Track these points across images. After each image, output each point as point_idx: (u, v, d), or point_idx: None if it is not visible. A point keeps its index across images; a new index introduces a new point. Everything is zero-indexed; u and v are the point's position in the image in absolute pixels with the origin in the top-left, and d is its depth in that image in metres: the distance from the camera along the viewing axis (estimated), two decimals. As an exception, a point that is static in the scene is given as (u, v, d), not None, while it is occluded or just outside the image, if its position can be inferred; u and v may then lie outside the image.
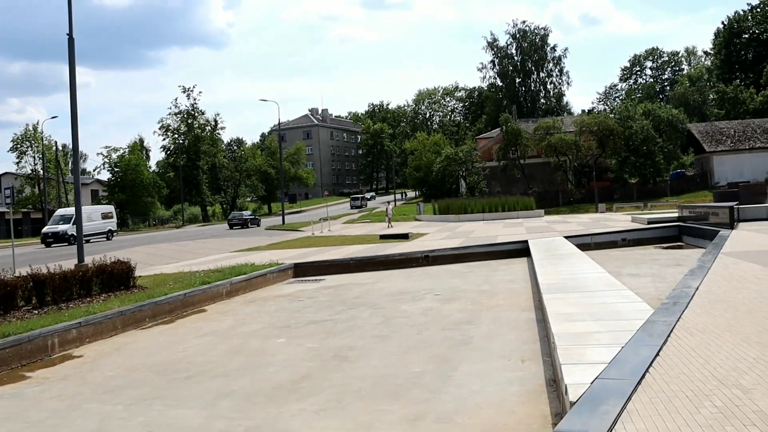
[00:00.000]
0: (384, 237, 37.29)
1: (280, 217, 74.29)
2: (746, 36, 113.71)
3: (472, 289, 18.12)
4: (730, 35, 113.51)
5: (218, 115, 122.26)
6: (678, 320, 8.68)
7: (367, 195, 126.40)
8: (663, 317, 8.90)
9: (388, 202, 64.64)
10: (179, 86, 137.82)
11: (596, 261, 22.92)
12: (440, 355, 10.51)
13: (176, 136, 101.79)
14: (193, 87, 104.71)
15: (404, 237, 36.68)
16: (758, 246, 18.54)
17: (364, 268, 25.29)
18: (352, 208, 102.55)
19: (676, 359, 6.86)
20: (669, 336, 7.80)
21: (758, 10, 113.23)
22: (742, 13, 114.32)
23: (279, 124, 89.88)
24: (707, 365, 6.58)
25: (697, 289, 11.20)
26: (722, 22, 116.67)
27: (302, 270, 24.73)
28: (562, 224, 40.55)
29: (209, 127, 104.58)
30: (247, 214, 79.24)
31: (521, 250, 25.83)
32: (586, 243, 29.01)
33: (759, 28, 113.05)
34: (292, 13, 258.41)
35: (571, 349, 7.46)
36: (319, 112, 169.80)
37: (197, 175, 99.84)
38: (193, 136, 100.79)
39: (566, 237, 28.90)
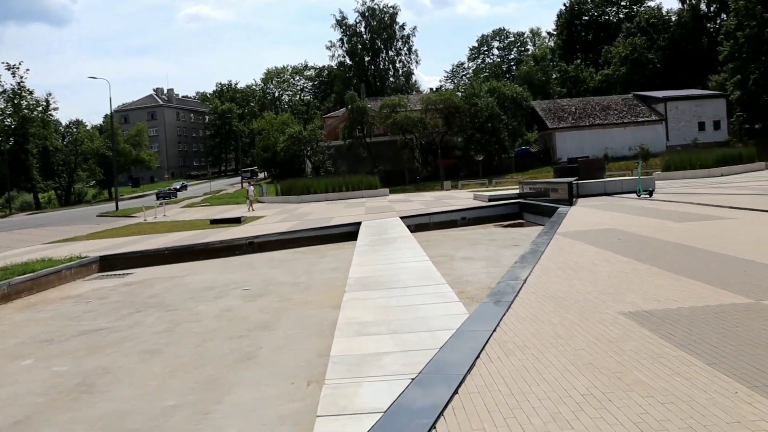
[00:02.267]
0: (215, 222, 34.55)
1: (120, 202, 69.38)
2: (586, 18, 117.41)
3: (288, 281, 15.94)
4: (571, 17, 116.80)
5: (50, 95, 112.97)
6: (495, 329, 6.74)
7: (177, 185, 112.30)
8: (477, 325, 6.96)
9: (249, 183, 60.11)
10: (2, 63, 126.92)
11: (432, 243, 21.47)
12: (212, 378, 8.24)
13: (1, 117, 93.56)
14: (19, 64, 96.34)
15: (236, 221, 34.07)
16: (594, 224, 17.26)
17: (181, 259, 22.72)
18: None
19: (479, 401, 4.85)
20: (478, 358, 5.81)
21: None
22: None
23: (110, 102, 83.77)
24: (518, 410, 4.59)
25: (525, 281, 9.41)
26: (564, 4, 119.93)
27: (110, 263, 21.76)
28: (404, 203, 39.08)
29: (40, 108, 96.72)
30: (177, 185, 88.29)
31: (354, 233, 23.77)
32: (425, 223, 27.51)
33: (597, 10, 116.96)
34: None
35: (342, 388, 5.33)
36: (165, 92, 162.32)
37: (26, 159, 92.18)
38: (20, 118, 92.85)
39: (403, 217, 27.23)
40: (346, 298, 9.36)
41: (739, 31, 75.65)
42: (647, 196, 26.46)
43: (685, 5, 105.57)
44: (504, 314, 7.32)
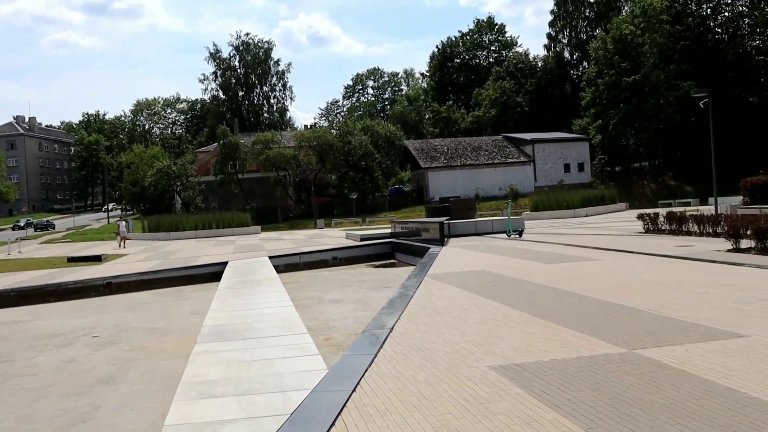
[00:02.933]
0: (72, 260, 32.39)
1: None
2: (458, 60, 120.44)
3: (144, 326, 14.78)
4: (443, 59, 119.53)
5: None
6: (355, 389, 6.06)
7: (22, 221, 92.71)
8: (336, 384, 6.26)
9: (121, 218, 54.81)
10: None
11: (301, 284, 20.73)
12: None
13: None
14: None
15: (96, 259, 32.09)
16: (465, 265, 17.00)
17: (29, 301, 21.03)
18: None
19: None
20: (332, 426, 5.10)
21: (467, 37, 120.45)
22: (453, 39, 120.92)
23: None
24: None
25: (392, 329, 8.81)
26: (436, 46, 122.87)
27: (-57, 306, 19.83)
28: (275, 242, 38.09)
29: None
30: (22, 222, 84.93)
31: (219, 274, 22.67)
32: (295, 263, 26.75)
33: (468, 53, 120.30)
34: (1, 10, 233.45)
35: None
36: (26, 120, 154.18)
37: None
38: None
39: (273, 257, 26.34)
40: (196, 351, 8.47)
41: (599, 78, 79.37)
42: (517, 236, 26.68)
43: (550, 52, 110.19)
44: (366, 370, 6.66)
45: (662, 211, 25.69)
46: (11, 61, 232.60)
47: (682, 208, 46.00)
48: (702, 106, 27.76)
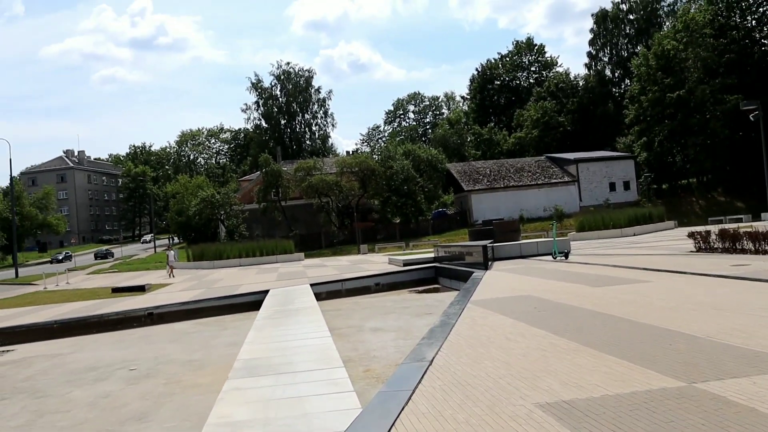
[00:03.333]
0: (117, 290, 32.54)
1: (24, 268, 65.88)
2: (498, 82, 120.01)
3: (182, 358, 14.52)
4: (483, 81, 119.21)
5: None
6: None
7: (60, 255, 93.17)
8: (368, 426, 5.81)
9: (169, 247, 54.43)
10: None
11: (342, 312, 20.33)
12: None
13: None
14: None
15: (140, 289, 32.20)
16: (509, 290, 16.43)
17: (71, 333, 21.05)
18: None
19: None
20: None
21: (507, 59, 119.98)
22: (493, 61, 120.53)
23: (11, 163, 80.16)
24: None
25: (432, 362, 8.33)
26: (476, 69, 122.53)
27: (-10, 339, 19.89)
28: (318, 268, 37.83)
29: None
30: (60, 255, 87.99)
31: (260, 302, 22.41)
32: (337, 290, 26.42)
33: (509, 75, 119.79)
34: (51, 50, 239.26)
35: None
36: (75, 153, 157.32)
37: None
38: None
39: (314, 284, 26.05)
40: (226, 388, 8.08)
41: (642, 95, 78.20)
42: (563, 258, 25.98)
43: (591, 71, 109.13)
44: (402, 409, 6.20)
45: (714, 229, 24.77)
46: (62, 99, 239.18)
47: (734, 225, 44.78)
48: (752, 119, 26.93)
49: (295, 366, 9.00)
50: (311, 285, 25.67)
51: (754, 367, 6.92)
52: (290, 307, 17.55)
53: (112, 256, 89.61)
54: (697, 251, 23.64)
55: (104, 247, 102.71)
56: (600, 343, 8.65)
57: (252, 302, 23.25)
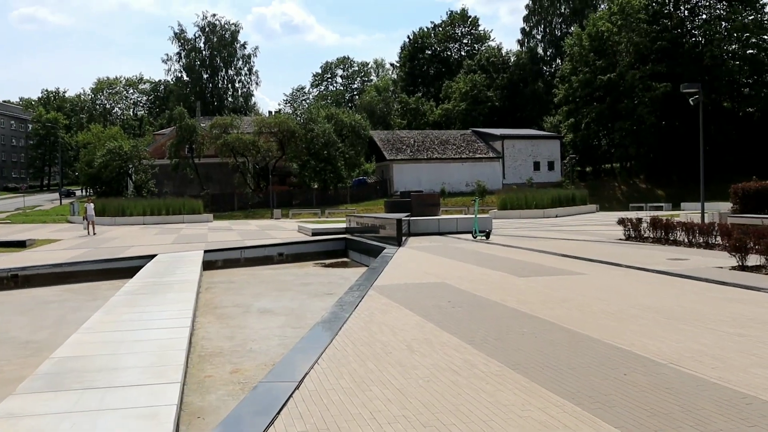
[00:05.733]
0: (-8, 245, 29.10)
1: None
2: (429, 52, 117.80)
3: (21, 337, 12.00)
4: (414, 50, 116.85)
5: None
6: None
7: None
8: None
9: (89, 199, 46.08)
10: None
11: (234, 286, 17.83)
12: None
13: None
14: None
15: (20, 245, 28.86)
16: (421, 274, 14.20)
17: None
18: None
19: None
20: None
21: (440, 28, 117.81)
22: (425, 29, 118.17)
23: None
24: None
25: (301, 383, 5.99)
26: (408, 37, 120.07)
27: None
28: (223, 232, 35.03)
29: None
30: None
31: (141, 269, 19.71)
32: (235, 258, 23.82)
33: (440, 45, 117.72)
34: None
35: None
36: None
37: None
38: None
39: (210, 251, 23.41)
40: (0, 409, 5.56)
41: (573, 75, 77.30)
42: (484, 237, 23.99)
43: (523, 48, 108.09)
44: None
45: (645, 217, 23.14)
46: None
47: (653, 213, 43.99)
48: (692, 103, 25.32)
49: (118, 375, 6.50)
50: (206, 252, 23.03)
51: (753, 425, 4.78)
52: (165, 280, 14.93)
53: None
54: (627, 239, 22.06)
55: None
56: (531, 366, 6.42)
57: (134, 267, 20.34)
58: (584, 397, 5.44)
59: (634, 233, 21.97)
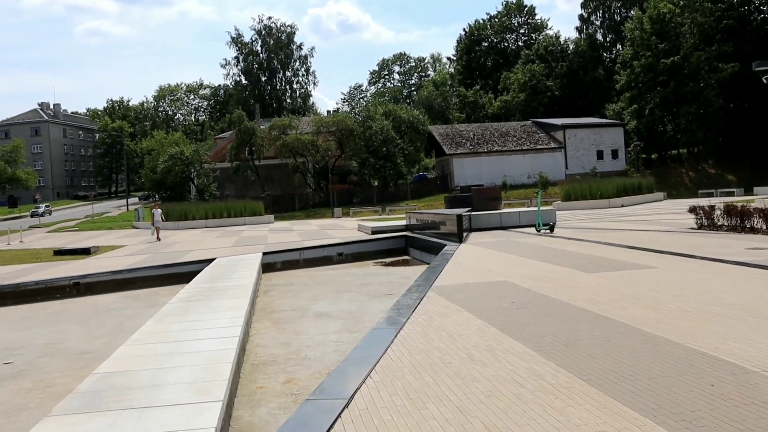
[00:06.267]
0: (59, 253, 29.49)
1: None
2: (485, 44, 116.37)
3: (76, 347, 11.93)
4: (470, 42, 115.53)
5: None
6: None
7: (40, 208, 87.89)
8: None
9: (156, 205, 45.27)
10: None
11: (293, 289, 17.50)
12: None
13: None
14: None
15: (85, 252, 29.18)
16: (482, 272, 13.59)
17: (-19, 305, 18.00)
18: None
19: None
20: None
21: (496, 20, 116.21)
22: (481, 21, 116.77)
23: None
24: None
25: (350, 400, 5.51)
26: (464, 29, 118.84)
27: None
28: (284, 233, 34.96)
29: None
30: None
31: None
32: (294, 260, 23.57)
33: (497, 37, 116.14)
34: (34, 0, 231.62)
35: None
36: (51, 106, 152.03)
37: None
38: None
39: (269, 253, 23.22)
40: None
41: (635, 60, 75.25)
42: (548, 230, 23.20)
43: (582, 35, 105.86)
44: None
45: (718, 203, 22.02)
46: (42, 51, 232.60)
47: (725, 199, 42.31)
48: (765, 81, 24.06)
49: (160, 393, 6.11)
50: (265, 254, 22.84)
51: None
52: (220, 285, 14.65)
53: (50, 214, 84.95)
54: (699, 228, 20.98)
55: (42, 205, 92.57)
56: (604, 376, 5.79)
57: (193, 272, 20.28)
58: (667, 413, 4.81)
59: (706, 221, 20.92)
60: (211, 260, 21.34)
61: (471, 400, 5.36)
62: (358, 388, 5.84)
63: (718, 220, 20.51)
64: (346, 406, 5.41)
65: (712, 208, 20.99)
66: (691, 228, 21.27)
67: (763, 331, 7.15)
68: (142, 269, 21.06)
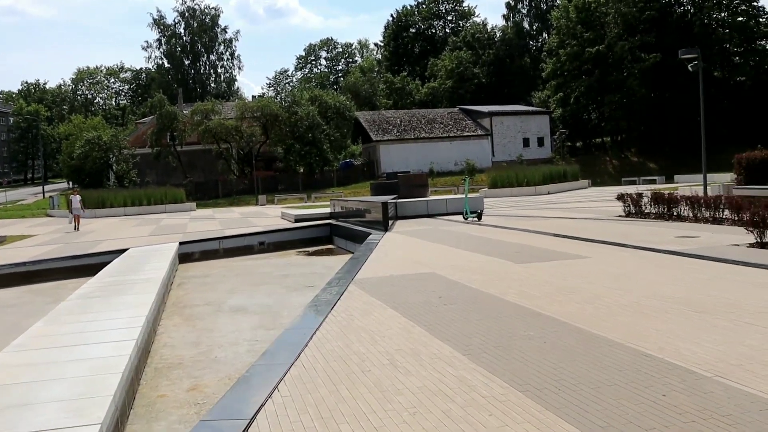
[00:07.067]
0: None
1: None
2: (413, 30, 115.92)
3: None
4: (398, 28, 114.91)
5: None
6: None
7: None
8: None
9: (74, 191, 40.74)
10: None
11: (209, 281, 16.54)
12: None
13: None
14: None
15: (-11, 243, 27.40)
16: (408, 263, 12.90)
17: None
18: None
19: None
20: None
21: (423, 6, 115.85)
22: (409, 7, 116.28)
23: None
24: None
25: (254, 418, 4.71)
26: (391, 15, 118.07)
27: None
28: (204, 221, 33.67)
29: None
30: None
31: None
32: (213, 249, 22.47)
33: (424, 23, 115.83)
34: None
35: None
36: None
37: None
38: None
39: (186, 242, 22.07)
40: None
41: (560, 49, 75.85)
42: (475, 218, 22.70)
43: (509, 23, 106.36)
44: None
45: (645, 191, 21.87)
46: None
47: (647, 186, 42.83)
48: (691, 69, 24.08)
49: (29, 414, 5.14)
50: (182, 243, 21.65)
51: None
52: (129, 278, 13.58)
53: None
54: (627, 216, 20.79)
55: None
56: (543, 385, 5.12)
57: (103, 263, 19.04)
58: (617, 430, 4.15)
59: (634, 209, 20.72)
60: (123, 251, 20.09)
61: (392, 419, 4.60)
62: (262, 405, 5.03)
63: (646, 207, 20.33)
64: (247, 427, 4.59)
65: (640, 195, 20.82)
66: (619, 216, 21.06)
67: (708, 329, 6.61)
68: (47, 261, 19.72)
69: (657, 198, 19.88)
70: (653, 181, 54.25)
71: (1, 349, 8.02)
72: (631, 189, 25.64)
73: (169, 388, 7.60)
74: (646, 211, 20.29)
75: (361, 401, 5.02)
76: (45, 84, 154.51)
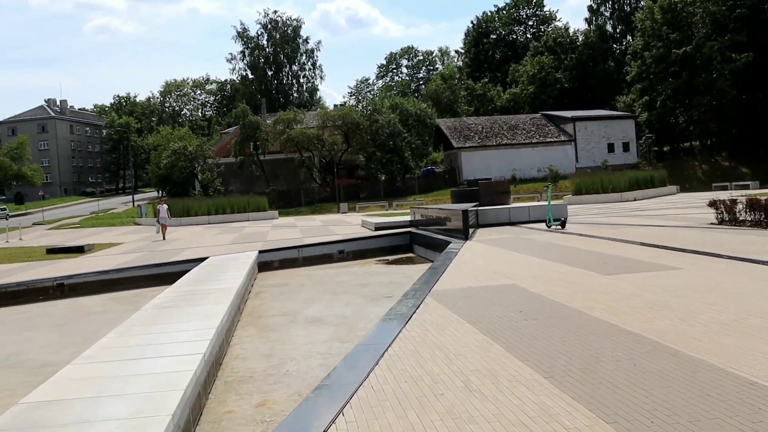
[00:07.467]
0: (52, 251, 28.36)
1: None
2: (494, 36, 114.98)
3: (40, 358, 11.11)
4: (478, 35, 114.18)
5: None
6: None
7: None
8: None
9: (161, 200, 40.67)
10: None
11: (287, 290, 16.42)
12: None
13: None
14: None
15: (78, 251, 28.06)
16: (489, 275, 12.40)
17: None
18: None
19: None
20: None
21: (504, 12, 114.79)
22: (489, 13, 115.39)
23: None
24: None
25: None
26: (471, 22, 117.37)
27: None
28: (285, 229, 33.83)
29: None
30: None
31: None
32: (292, 258, 22.44)
33: (505, 29, 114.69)
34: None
35: None
36: (57, 103, 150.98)
37: None
38: None
39: (266, 251, 22.13)
40: None
41: (646, 51, 73.83)
42: (559, 226, 21.98)
43: (591, 26, 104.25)
44: None
45: (739, 197, 20.76)
46: (50, 48, 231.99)
47: (740, 192, 40.96)
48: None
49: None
50: (261, 252, 21.69)
51: None
52: (204, 287, 13.51)
53: (7, 219, 79.57)
54: (720, 223, 19.73)
55: None
56: (635, 418, 4.60)
57: (182, 272, 19.19)
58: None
59: (728, 216, 19.67)
60: (202, 259, 20.22)
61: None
62: (325, 431, 4.68)
63: (741, 214, 19.26)
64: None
65: (734, 201, 19.74)
66: (711, 223, 20.03)
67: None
68: (129, 269, 20.02)
69: (753, 204, 18.79)
70: (746, 187, 51.98)
71: (72, 360, 7.95)
72: (723, 195, 24.45)
73: (237, 404, 7.39)
74: (740, 218, 19.22)
75: (431, 430, 4.62)
76: (135, 97, 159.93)
